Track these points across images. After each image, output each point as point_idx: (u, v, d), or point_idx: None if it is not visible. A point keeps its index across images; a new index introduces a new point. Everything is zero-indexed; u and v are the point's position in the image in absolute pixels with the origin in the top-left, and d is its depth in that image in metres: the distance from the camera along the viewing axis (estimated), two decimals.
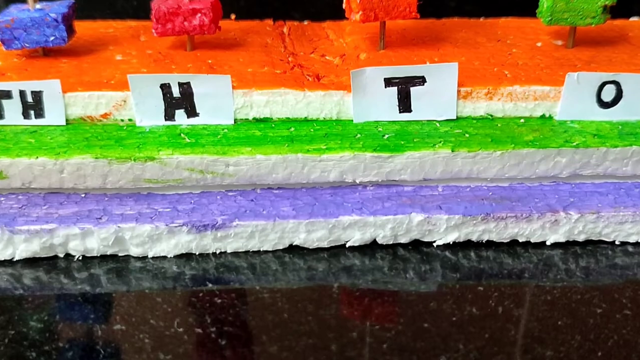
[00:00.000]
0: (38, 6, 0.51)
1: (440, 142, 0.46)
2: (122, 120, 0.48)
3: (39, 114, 0.47)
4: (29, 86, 0.47)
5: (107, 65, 0.51)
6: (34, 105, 0.47)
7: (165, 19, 0.51)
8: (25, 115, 0.47)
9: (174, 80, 0.47)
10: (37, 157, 0.44)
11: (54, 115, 0.47)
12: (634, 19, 0.61)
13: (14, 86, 0.46)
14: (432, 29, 0.58)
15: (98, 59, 0.52)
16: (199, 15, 0.51)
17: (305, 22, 0.60)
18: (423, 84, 0.47)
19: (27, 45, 0.51)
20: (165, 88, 0.47)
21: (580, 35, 0.54)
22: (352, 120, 0.48)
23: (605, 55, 0.53)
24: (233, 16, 0.59)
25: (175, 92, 0.47)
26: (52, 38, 0.51)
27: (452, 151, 0.45)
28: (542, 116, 0.49)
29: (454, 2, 0.78)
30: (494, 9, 0.69)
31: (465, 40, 0.55)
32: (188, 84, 0.47)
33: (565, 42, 0.55)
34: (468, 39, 0.55)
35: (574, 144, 0.46)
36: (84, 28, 0.56)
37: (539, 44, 0.55)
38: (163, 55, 0.52)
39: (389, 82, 0.47)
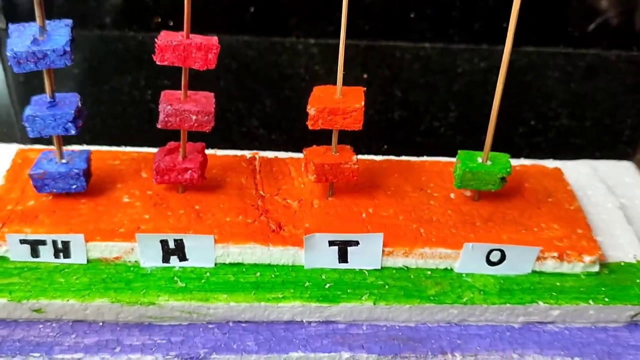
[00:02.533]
0: (64, 161, 0.66)
1: (366, 294, 0.62)
2: (129, 262, 0.64)
3: (67, 255, 0.63)
4: (60, 237, 0.62)
5: (117, 209, 0.66)
6: (62, 250, 0.62)
7: (163, 173, 0.66)
8: (56, 256, 0.63)
9: (170, 237, 0.62)
10: (68, 300, 0.60)
11: (78, 257, 0.63)
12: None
13: (48, 237, 0.62)
14: (371, 170, 0.73)
15: (109, 200, 0.67)
16: (190, 171, 0.66)
17: (273, 156, 0.75)
18: (357, 245, 0.63)
19: (54, 190, 0.65)
20: (163, 242, 0.62)
21: None
22: (303, 266, 0.64)
23: (501, 211, 0.69)
24: (216, 151, 0.74)
25: (172, 244, 0.63)
26: (74, 186, 0.65)
27: (374, 304, 0.62)
28: (445, 269, 0.65)
29: (403, 133, 0.93)
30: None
31: (396, 189, 0.71)
32: (181, 240, 0.62)
33: (473, 193, 0.71)
34: (398, 188, 0.71)
35: (464, 300, 0.62)
36: (95, 159, 0.71)
37: (452, 195, 0.71)
38: (160, 198, 0.67)
39: (332, 242, 0.63)
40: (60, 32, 0.60)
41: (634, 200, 0.78)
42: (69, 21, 0.61)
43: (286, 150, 0.77)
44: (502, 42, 0.61)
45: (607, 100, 1.00)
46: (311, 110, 0.63)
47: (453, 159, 0.76)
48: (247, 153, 0.75)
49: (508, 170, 0.67)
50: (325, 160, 0.66)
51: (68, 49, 0.59)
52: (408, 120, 0.93)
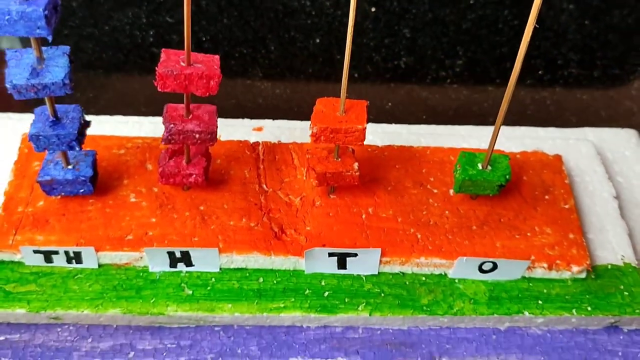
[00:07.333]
0: (70, 167, 0.67)
1: (363, 303, 0.66)
2: (139, 266, 0.67)
3: (79, 262, 0.66)
4: (72, 249, 0.65)
5: (125, 211, 0.68)
6: (75, 258, 0.66)
7: (168, 177, 0.68)
8: (69, 262, 0.66)
9: (177, 250, 0.65)
10: (82, 311, 0.64)
11: (89, 263, 0.66)
12: None
13: (60, 249, 0.65)
14: (373, 160, 0.74)
15: (117, 200, 0.69)
16: (194, 176, 0.68)
17: (277, 142, 0.76)
18: (356, 256, 0.66)
19: (63, 194, 0.67)
20: (171, 254, 0.65)
21: None
22: (304, 271, 0.68)
23: (497, 212, 0.71)
24: (220, 135, 0.74)
25: (178, 254, 0.66)
26: (82, 190, 0.67)
27: (370, 315, 0.66)
28: (439, 274, 0.69)
29: (407, 87, 0.91)
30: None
31: (396, 184, 0.72)
32: (187, 251, 0.65)
33: None
34: (398, 183, 0.72)
35: (454, 310, 0.66)
36: (101, 147, 0.72)
37: (451, 192, 0.72)
38: (166, 197, 0.69)
39: (331, 254, 0.66)
40: (58, 61, 0.59)
41: (632, 181, 0.79)
42: (66, 48, 0.60)
43: (290, 107, 0.77)
44: None
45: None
46: (313, 129, 0.64)
47: (455, 146, 0.77)
48: (252, 129, 0.76)
49: (507, 177, 0.68)
50: (327, 169, 0.67)
51: (67, 81, 0.58)
52: (414, 69, 0.92)
